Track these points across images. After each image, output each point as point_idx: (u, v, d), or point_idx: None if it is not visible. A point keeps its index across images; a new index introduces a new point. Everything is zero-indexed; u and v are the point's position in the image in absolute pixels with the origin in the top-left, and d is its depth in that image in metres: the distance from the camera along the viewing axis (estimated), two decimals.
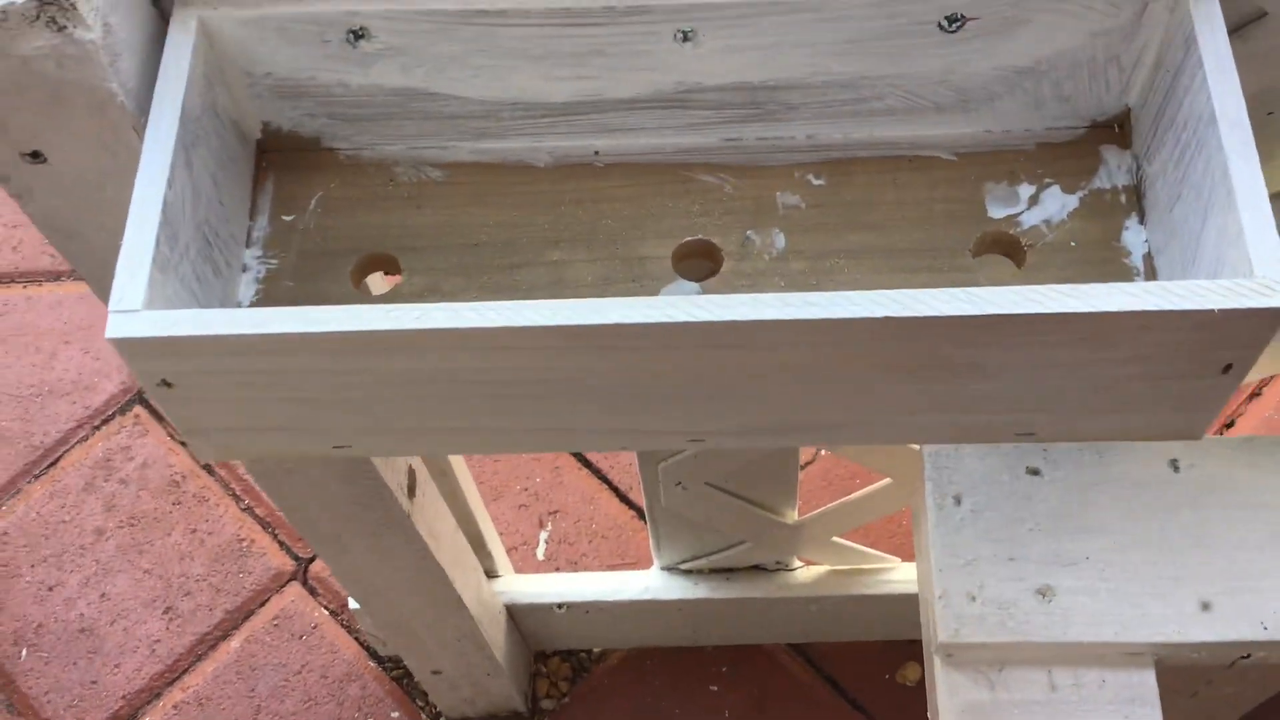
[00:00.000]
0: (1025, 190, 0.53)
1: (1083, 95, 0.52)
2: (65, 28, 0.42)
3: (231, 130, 0.51)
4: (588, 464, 1.22)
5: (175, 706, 1.13)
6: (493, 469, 1.21)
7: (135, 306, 0.42)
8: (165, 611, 1.17)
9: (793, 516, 0.96)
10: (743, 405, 0.47)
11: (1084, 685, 0.69)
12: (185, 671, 1.15)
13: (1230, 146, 0.43)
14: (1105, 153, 0.53)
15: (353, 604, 1.06)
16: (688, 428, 0.49)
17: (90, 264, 0.54)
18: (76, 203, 0.50)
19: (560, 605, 1.05)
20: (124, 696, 1.14)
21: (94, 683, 1.15)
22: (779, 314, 0.42)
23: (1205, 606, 0.68)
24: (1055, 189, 0.53)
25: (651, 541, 1.02)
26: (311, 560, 1.19)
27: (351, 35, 0.49)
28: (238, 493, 1.22)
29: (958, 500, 0.72)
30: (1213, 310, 0.40)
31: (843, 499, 0.95)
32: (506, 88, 0.52)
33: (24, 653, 1.16)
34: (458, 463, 0.93)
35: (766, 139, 0.54)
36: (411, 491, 0.79)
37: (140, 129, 0.46)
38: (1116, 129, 0.53)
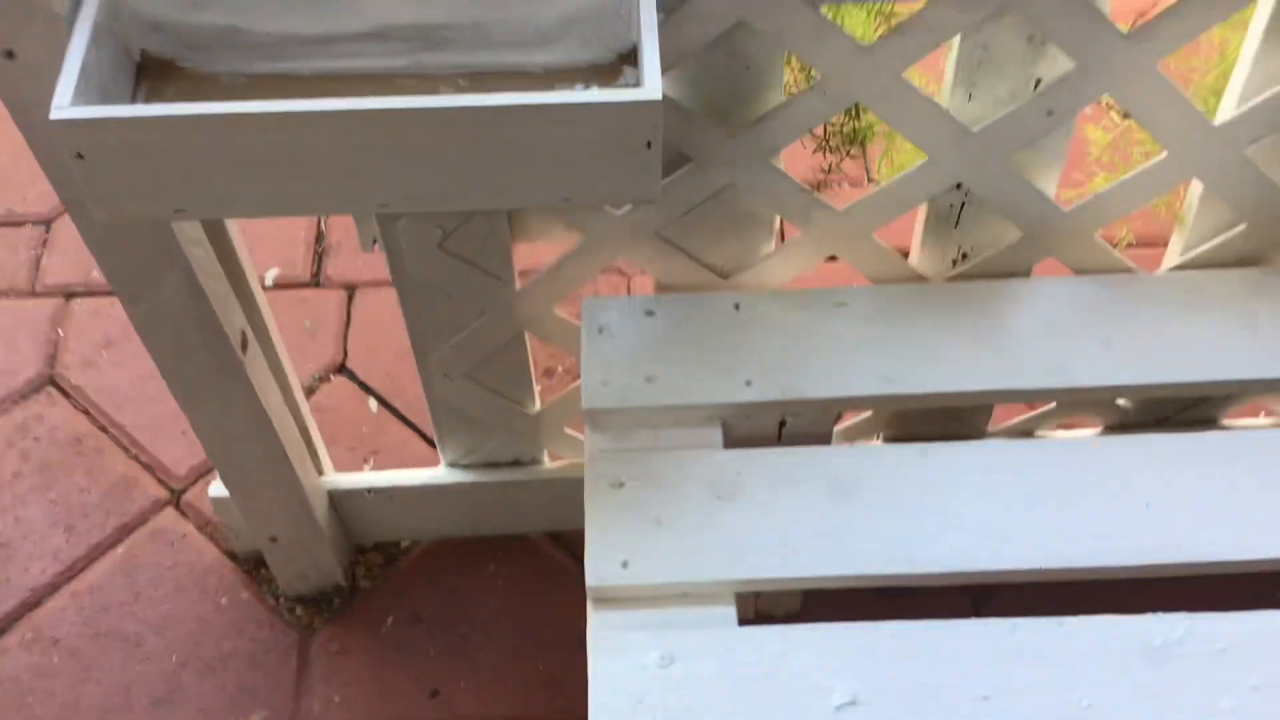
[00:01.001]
0: (580, 89, 0.93)
1: (609, 35, 0.93)
2: None
3: (121, 51, 0.90)
4: (402, 417, 1.58)
5: (73, 594, 1.44)
6: (328, 420, 1.57)
7: (64, 104, 0.80)
8: (66, 529, 1.49)
9: (534, 408, 1.33)
10: (400, 175, 0.85)
11: (676, 436, 1.07)
12: (81, 570, 1.46)
13: (645, 31, 0.84)
14: (626, 69, 0.94)
15: (214, 491, 1.39)
16: (377, 196, 0.87)
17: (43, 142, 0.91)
18: (33, 87, 0.88)
19: (370, 490, 1.40)
20: (31, 589, 1.45)
21: (7, 580, 1.45)
22: (380, 105, 0.80)
23: (749, 384, 1.07)
24: (595, 88, 0.93)
25: (437, 442, 1.38)
26: (183, 491, 1.52)
27: None
28: (125, 445, 1.56)
29: (601, 330, 1.11)
30: (615, 103, 0.80)
31: (569, 386, 1.32)
32: (285, 27, 0.91)
33: None
34: (290, 369, 1.29)
35: (435, 62, 0.94)
36: (244, 347, 1.15)
37: (70, 33, 0.85)
38: (631, 55, 0.94)
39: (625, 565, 0.98)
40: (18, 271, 1.73)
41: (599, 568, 0.98)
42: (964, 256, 1.17)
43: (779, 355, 1.08)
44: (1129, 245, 1.46)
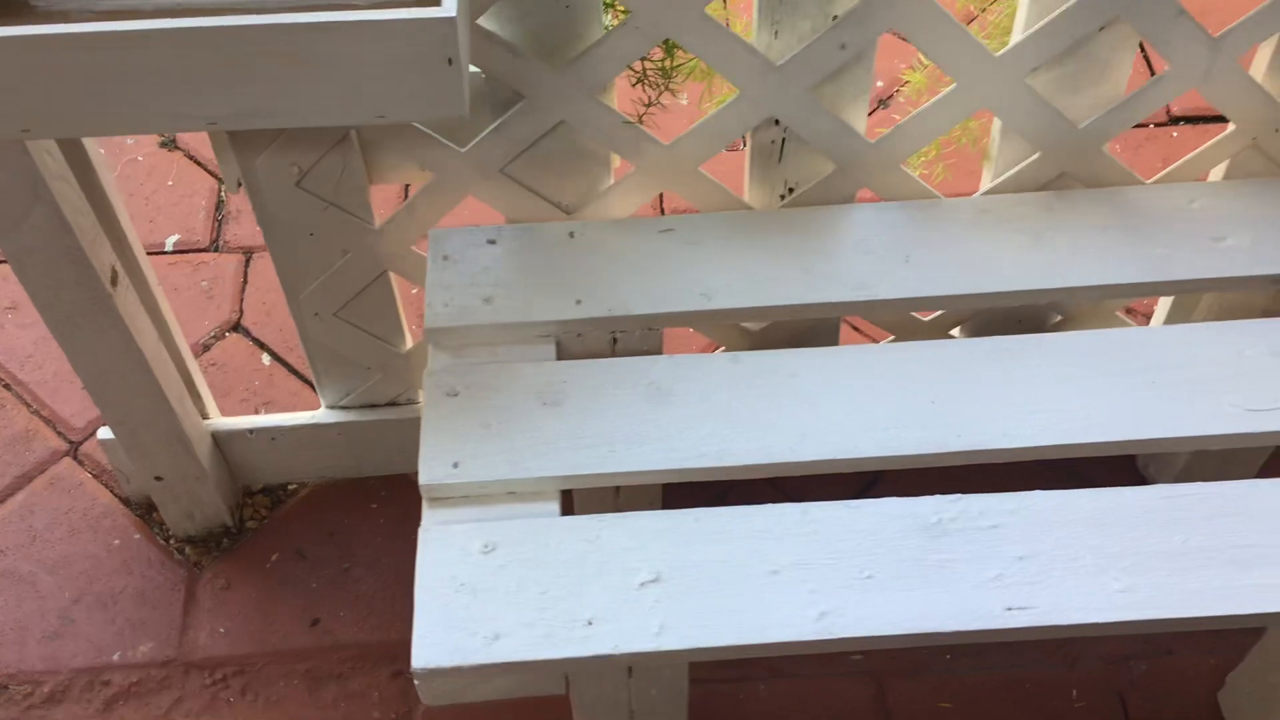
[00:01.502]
0: None
1: None
2: None
3: None
4: (294, 371, 1.66)
5: None
6: (223, 374, 1.64)
7: None
8: None
9: (404, 347, 1.41)
10: (224, 94, 0.93)
11: (511, 352, 1.15)
12: None
13: None
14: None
15: (102, 434, 1.46)
16: (205, 112, 0.94)
17: None
18: None
19: (251, 431, 1.47)
20: None
21: None
22: (190, 25, 0.88)
23: (579, 303, 1.15)
24: None
25: (316, 383, 1.45)
26: (81, 443, 1.59)
27: None
28: (28, 400, 1.62)
29: (446, 258, 1.19)
30: (412, 19, 0.88)
31: None
32: None
33: None
34: (168, 312, 1.36)
35: None
36: (114, 282, 1.22)
37: None
38: None
39: (456, 466, 1.06)
40: None
41: (431, 468, 1.06)
42: (790, 190, 1.26)
43: (608, 277, 1.17)
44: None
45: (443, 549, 1.02)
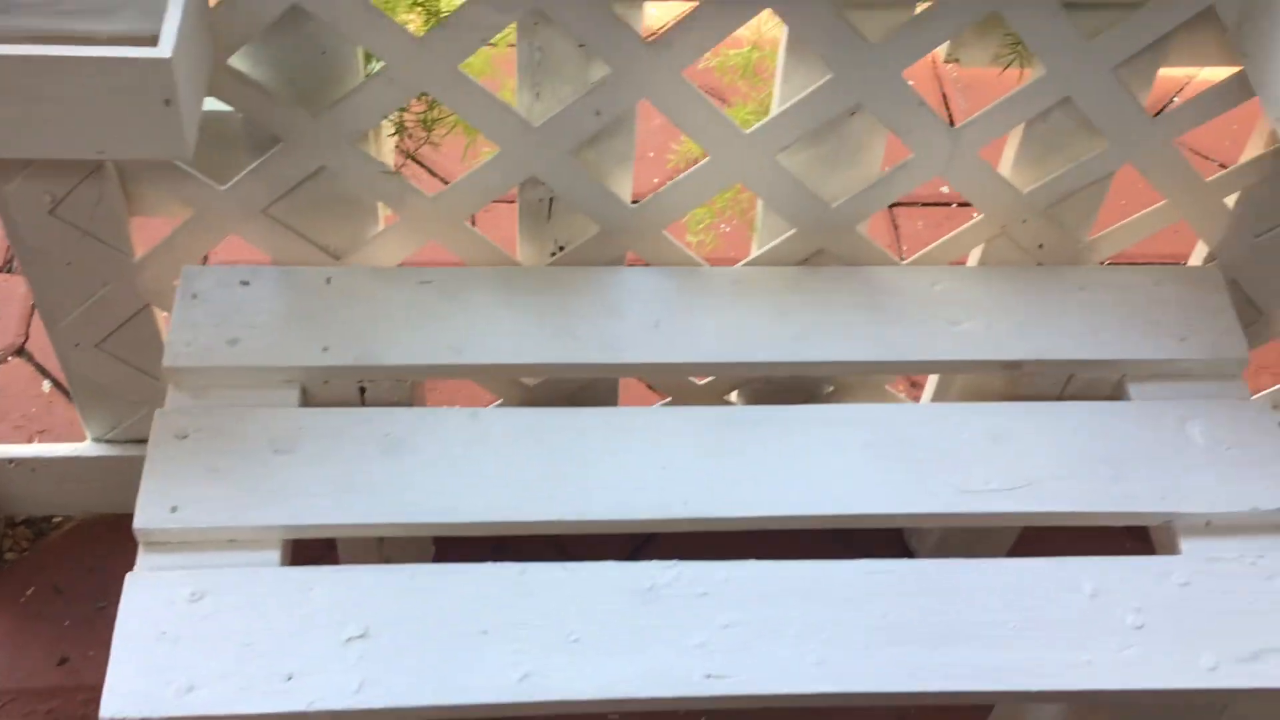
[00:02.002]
0: None
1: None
2: None
3: None
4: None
5: None
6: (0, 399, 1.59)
7: None
8: None
9: None
10: None
11: (252, 397, 1.13)
12: None
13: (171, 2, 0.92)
14: None
15: None
16: None
17: None
18: None
19: (11, 461, 1.42)
20: None
21: None
22: None
23: (326, 350, 1.14)
24: None
25: (80, 415, 1.42)
26: None
27: None
28: None
29: (195, 296, 1.17)
30: (123, 58, 0.87)
31: None
32: None
33: None
34: None
35: (8, 25, 1.00)
36: None
37: None
38: None
39: (174, 510, 1.04)
40: None
41: (148, 512, 1.04)
42: (561, 248, 1.27)
43: (359, 325, 1.16)
44: None
45: (149, 595, 1.00)
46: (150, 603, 0.99)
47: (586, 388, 1.36)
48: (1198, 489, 1.08)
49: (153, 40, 1.00)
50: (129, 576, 1.01)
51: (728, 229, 1.62)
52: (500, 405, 1.38)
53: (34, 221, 1.18)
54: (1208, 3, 1.06)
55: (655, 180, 1.84)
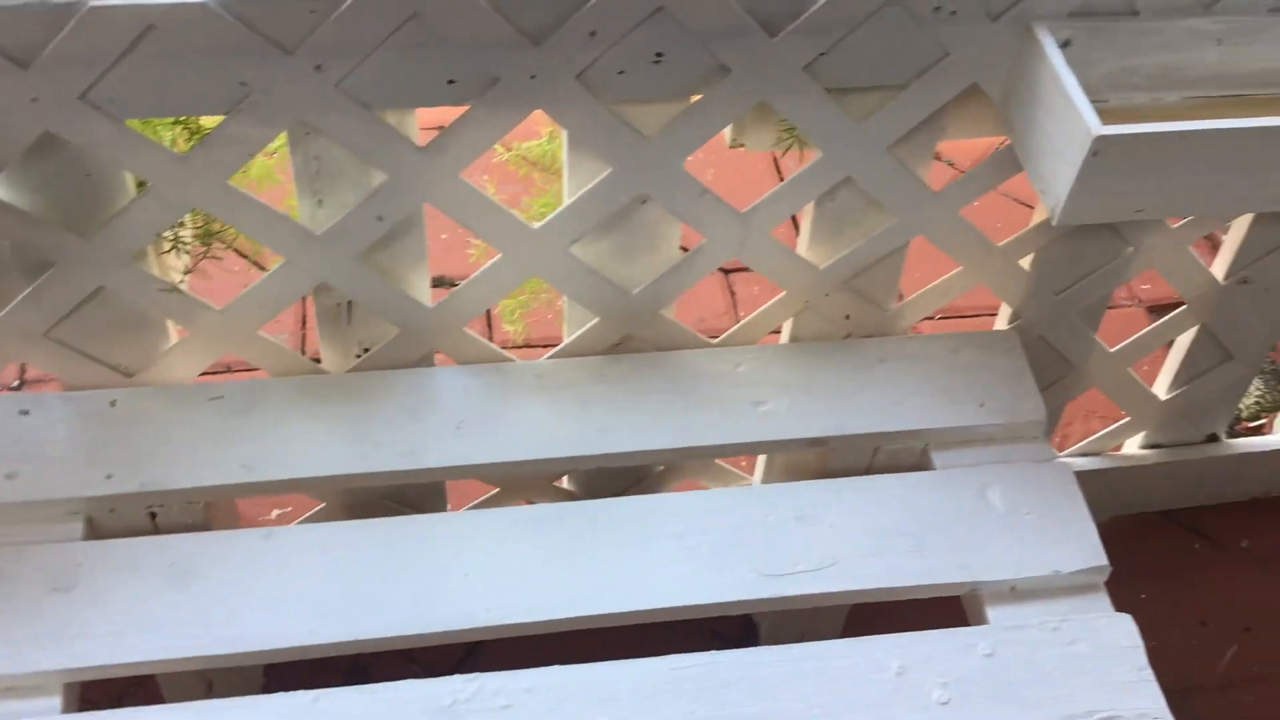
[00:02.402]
0: None
1: None
2: None
3: None
4: None
5: None
6: None
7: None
8: None
9: None
10: None
11: (32, 532, 1.08)
12: None
13: None
14: None
15: None
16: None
17: None
18: None
19: None
20: None
21: None
22: None
23: (110, 477, 1.10)
24: None
25: None
26: None
27: None
28: None
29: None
30: None
31: None
32: None
33: None
34: None
35: None
36: None
37: None
38: None
39: None
40: None
41: None
42: (365, 351, 1.24)
43: (145, 449, 1.12)
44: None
45: None
46: None
47: (409, 487, 1.33)
48: (999, 556, 1.09)
49: None
50: None
51: (551, 316, 1.61)
52: (319, 511, 1.35)
53: None
54: (970, 81, 1.09)
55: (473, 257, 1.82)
